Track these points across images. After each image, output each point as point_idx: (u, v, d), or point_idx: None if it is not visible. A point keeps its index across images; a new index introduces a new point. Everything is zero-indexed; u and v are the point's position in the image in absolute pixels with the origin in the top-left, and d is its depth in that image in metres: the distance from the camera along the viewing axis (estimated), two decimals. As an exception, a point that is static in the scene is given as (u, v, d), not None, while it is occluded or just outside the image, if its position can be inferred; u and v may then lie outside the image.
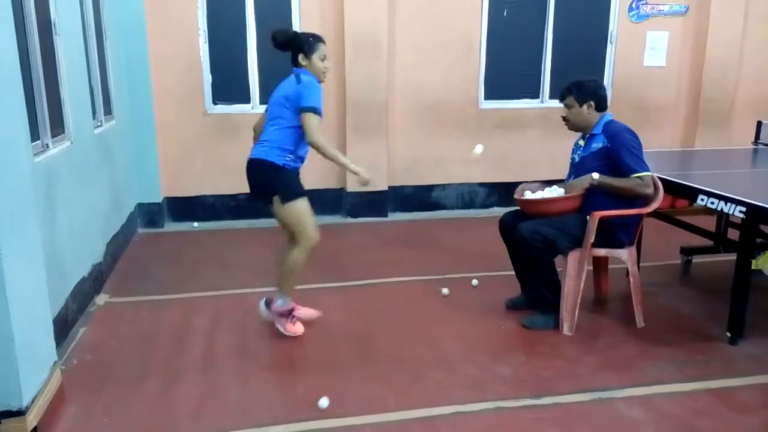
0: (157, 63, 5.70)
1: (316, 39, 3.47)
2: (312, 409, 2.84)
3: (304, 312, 3.69)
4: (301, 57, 3.43)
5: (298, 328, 3.59)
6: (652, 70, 6.77)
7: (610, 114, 3.66)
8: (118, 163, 5.18)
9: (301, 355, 3.40)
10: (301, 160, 3.51)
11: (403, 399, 2.93)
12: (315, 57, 3.43)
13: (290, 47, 3.46)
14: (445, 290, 4.20)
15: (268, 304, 3.59)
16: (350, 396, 2.96)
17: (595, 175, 3.49)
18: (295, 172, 3.48)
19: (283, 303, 3.55)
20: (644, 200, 3.53)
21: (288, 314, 3.57)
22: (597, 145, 3.58)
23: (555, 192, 3.67)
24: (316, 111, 3.30)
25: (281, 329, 3.57)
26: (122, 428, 2.72)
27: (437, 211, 6.58)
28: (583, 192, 3.54)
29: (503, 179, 6.53)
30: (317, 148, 3.37)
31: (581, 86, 3.61)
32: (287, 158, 3.41)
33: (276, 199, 3.41)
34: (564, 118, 3.70)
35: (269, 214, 3.57)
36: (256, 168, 3.45)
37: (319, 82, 3.43)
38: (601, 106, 3.61)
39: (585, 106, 3.60)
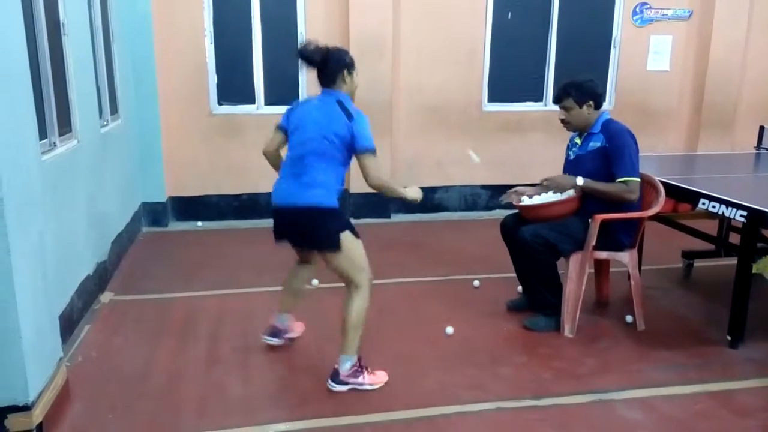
0: (163, 63, 5.74)
1: (350, 54, 3.09)
2: (314, 408, 2.87)
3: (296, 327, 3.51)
4: (345, 74, 3.01)
5: (380, 376, 3.10)
6: (656, 75, 6.79)
7: (607, 112, 3.66)
8: (123, 162, 5.22)
9: (304, 354, 3.42)
10: None
11: (405, 398, 2.95)
12: (355, 74, 3.07)
13: (331, 63, 3.00)
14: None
15: (335, 378, 3.03)
16: (352, 395, 2.99)
17: (580, 180, 3.50)
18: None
19: (351, 363, 3.03)
20: (635, 204, 3.54)
21: (360, 368, 3.05)
22: (595, 144, 3.57)
23: (550, 197, 3.65)
24: (375, 152, 2.94)
25: (366, 387, 3.03)
26: (126, 424, 2.74)
27: (440, 212, 6.60)
28: (579, 194, 3.55)
29: (506, 182, 6.50)
30: (381, 189, 3.01)
31: (579, 87, 3.57)
32: (339, 196, 3.03)
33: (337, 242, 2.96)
34: (563, 121, 3.66)
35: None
36: (319, 217, 2.95)
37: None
38: (599, 103, 3.60)
39: (585, 107, 3.57)
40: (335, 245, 2.95)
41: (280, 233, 3.11)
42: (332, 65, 3.00)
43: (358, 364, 3.05)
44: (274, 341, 3.43)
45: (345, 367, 3.03)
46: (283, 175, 3.07)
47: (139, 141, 5.72)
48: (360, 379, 3.04)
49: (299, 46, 3.06)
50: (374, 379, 3.08)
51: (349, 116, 2.92)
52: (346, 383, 3.03)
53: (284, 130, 3.15)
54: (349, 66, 3.04)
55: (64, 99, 3.82)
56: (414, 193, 3.18)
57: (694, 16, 6.72)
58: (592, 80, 3.65)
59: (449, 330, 3.67)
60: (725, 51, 6.67)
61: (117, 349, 3.45)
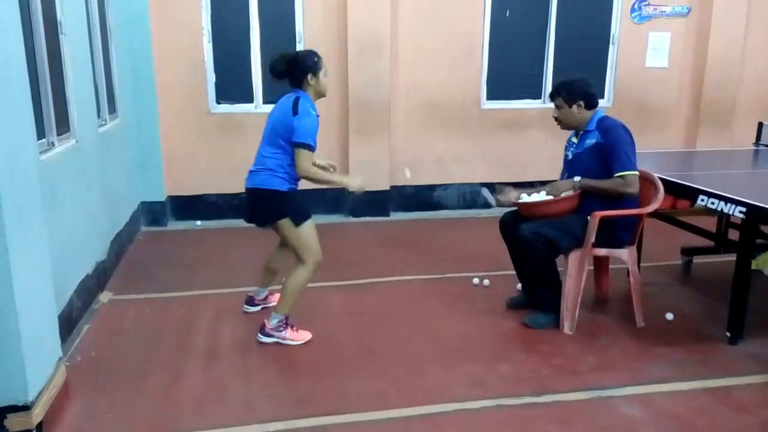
0: (161, 62, 5.73)
1: (318, 56, 3.41)
2: (313, 406, 2.87)
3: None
4: (309, 77, 3.36)
5: (303, 334, 3.51)
6: (654, 71, 6.79)
7: (602, 110, 3.67)
8: (122, 162, 5.22)
9: (304, 352, 3.42)
10: (299, 179, 3.46)
11: (405, 396, 2.96)
12: (321, 74, 3.39)
13: (295, 71, 3.37)
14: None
15: (262, 330, 3.48)
16: (352, 393, 2.99)
17: (577, 179, 3.53)
18: (299, 193, 3.46)
19: (277, 320, 3.46)
20: (634, 200, 3.54)
21: (285, 325, 3.47)
22: (591, 141, 3.58)
23: (543, 196, 3.65)
24: (309, 147, 3.27)
25: (288, 342, 3.44)
26: (126, 424, 2.74)
27: (439, 210, 6.61)
28: (578, 191, 3.55)
29: (504, 179, 6.50)
30: (308, 179, 3.37)
31: (569, 87, 3.60)
32: (291, 182, 3.39)
33: (283, 222, 3.38)
34: (556, 119, 3.70)
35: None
36: (262, 197, 3.39)
37: (321, 97, 3.44)
38: (591, 103, 3.61)
39: (575, 106, 3.59)
40: (274, 220, 3.40)
41: (246, 213, 3.56)
42: (296, 72, 3.38)
43: (284, 321, 3.45)
44: (252, 309, 3.89)
45: (272, 322, 3.45)
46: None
47: (137, 140, 5.72)
48: (283, 333, 3.45)
49: (270, 63, 3.43)
50: (296, 336, 3.47)
51: (295, 113, 3.28)
52: (271, 335, 3.45)
53: None
54: (313, 69, 3.37)
55: (62, 98, 3.81)
56: (355, 182, 3.56)
57: (692, 12, 6.71)
58: (584, 80, 3.66)
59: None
60: (724, 47, 6.67)
61: (116, 349, 3.44)
